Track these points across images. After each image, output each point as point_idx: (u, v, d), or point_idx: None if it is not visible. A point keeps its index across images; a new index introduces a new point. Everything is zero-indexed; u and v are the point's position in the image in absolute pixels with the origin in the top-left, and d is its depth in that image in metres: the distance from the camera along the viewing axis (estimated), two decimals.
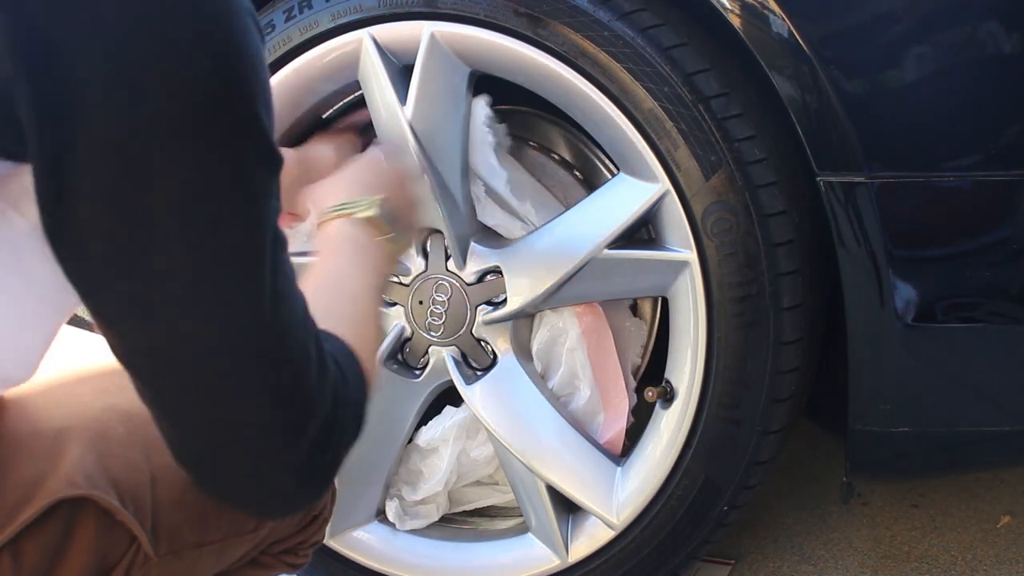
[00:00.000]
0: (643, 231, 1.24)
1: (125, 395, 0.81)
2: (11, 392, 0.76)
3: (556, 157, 1.39)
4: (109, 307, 0.65)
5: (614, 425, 1.32)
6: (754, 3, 1.06)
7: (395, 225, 0.99)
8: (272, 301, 0.65)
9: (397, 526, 1.41)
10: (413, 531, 1.42)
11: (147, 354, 0.66)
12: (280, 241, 0.67)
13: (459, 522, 1.47)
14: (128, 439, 0.77)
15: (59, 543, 0.72)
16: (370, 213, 0.97)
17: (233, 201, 0.63)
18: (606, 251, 1.21)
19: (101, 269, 0.62)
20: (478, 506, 1.47)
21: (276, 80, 1.31)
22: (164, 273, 0.62)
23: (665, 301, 1.27)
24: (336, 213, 0.97)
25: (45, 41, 0.58)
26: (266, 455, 0.68)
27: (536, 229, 1.28)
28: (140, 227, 0.61)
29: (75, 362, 0.84)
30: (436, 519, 1.42)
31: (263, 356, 0.65)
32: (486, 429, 1.32)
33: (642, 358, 1.39)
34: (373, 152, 1.15)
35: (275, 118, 0.67)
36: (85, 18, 0.58)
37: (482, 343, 1.32)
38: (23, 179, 0.62)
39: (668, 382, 1.25)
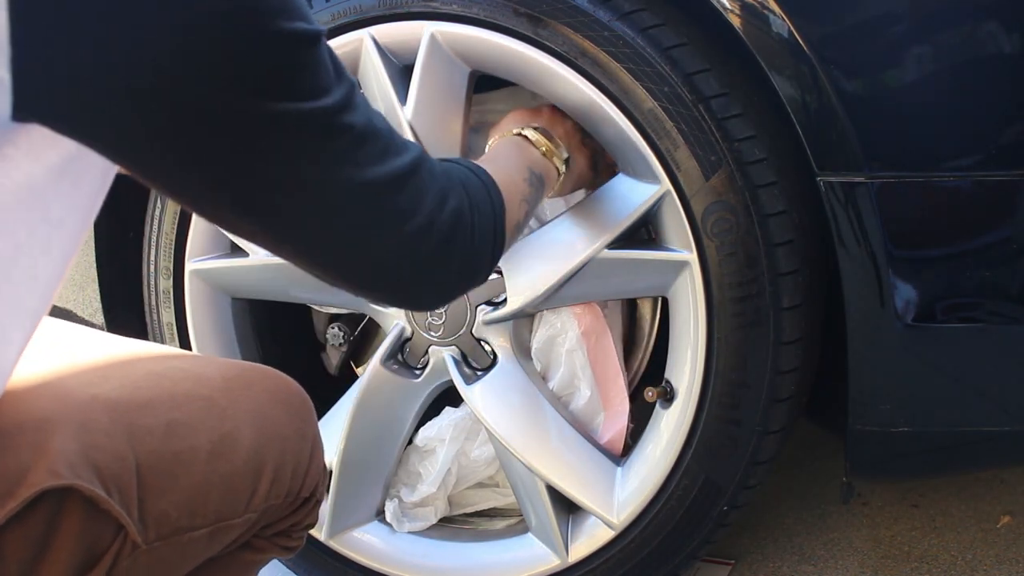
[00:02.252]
0: (643, 231, 1.24)
1: (109, 384, 0.81)
2: None
3: None
4: (213, 208, 0.72)
5: (614, 425, 1.32)
6: (754, 3, 1.06)
7: (568, 158, 1.18)
8: (347, 151, 0.73)
9: (395, 528, 1.41)
10: (413, 531, 1.42)
11: (268, 229, 0.74)
12: (348, 90, 0.72)
13: (459, 522, 1.48)
14: (112, 428, 0.77)
15: (44, 534, 0.72)
16: (528, 127, 1.15)
17: (293, 102, 0.68)
18: (606, 251, 1.21)
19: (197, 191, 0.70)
20: (478, 509, 1.47)
21: None
22: (242, 169, 0.69)
23: (665, 301, 1.27)
24: (515, 132, 1.16)
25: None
26: (390, 246, 0.78)
27: (536, 229, 1.28)
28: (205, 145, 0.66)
29: (60, 356, 0.84)
30: (434, 522, 1.42)
31: (353, 195, 0.74)
32: (486, 429, 1.32)
33: (642, 358, 1.39)
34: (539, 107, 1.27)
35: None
36: None
37: (482, 343, 1.32)
38: (31, 131, 0.62)
39: (668, 382, 1.25)
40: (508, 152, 1.12)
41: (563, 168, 1.17)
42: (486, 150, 1.19)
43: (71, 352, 0.85)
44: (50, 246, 0.69)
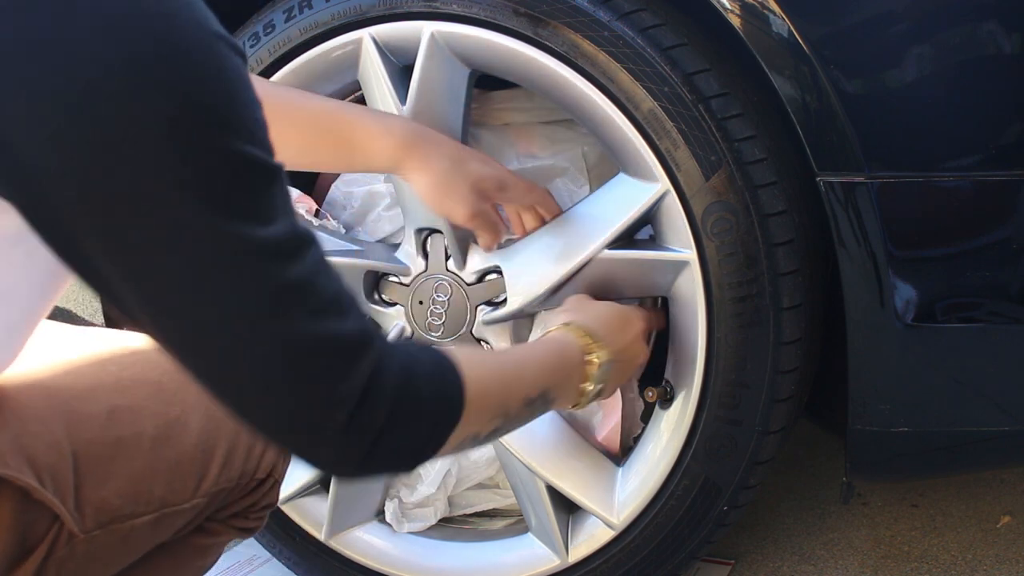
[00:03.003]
0: (643, 231, 1.24)
1: (51, 372, 0.80)
2: None
3: None
4: (128, 309, 0.65)
5: (608, 422, 1.32)
6: (754, 3, 1.06)
7: (604, 378, 1.04)
8: (276, 297, 0.65)
9: (395, 529, 1.41)
10: (413, 532, 1.42)
11: (175, 348, 0.67)
12: (295, 241, 0.66)
13: (459, 522, 1.48)
14: (48, 415, 0.76)
15: None
16: (597, 352, 1.03)
17: (222, 219, 0.62)
18: (606, 251, 1.21)
19: (112, 283, 0.63)
20: (478, 510, 1.47)
21: (276, 80, 1.31)
22: (163, 286, 0.62)
23: (665, 301, 1.27)
24: (569, 328, 1.04)
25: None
26: (295, 417, 0.68)
27: (536, 229, 1.28)
28: (137, 255, 0.61)
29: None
30: (433, 522, 1.42)
31: (270, 340, 0.65)
32: None
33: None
34: (635, 310, 1.19)
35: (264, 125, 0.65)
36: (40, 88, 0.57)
37: (482, 343, 1.32)
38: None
39: (668, 382, 1.25)
40: (546, 359, 0.99)
41: (585, 402, 1.05)
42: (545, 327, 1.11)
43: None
44: None
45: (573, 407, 1.05)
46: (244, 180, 0.62)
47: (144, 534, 0.83)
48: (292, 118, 1.10)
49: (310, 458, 0.72)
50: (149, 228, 0.60)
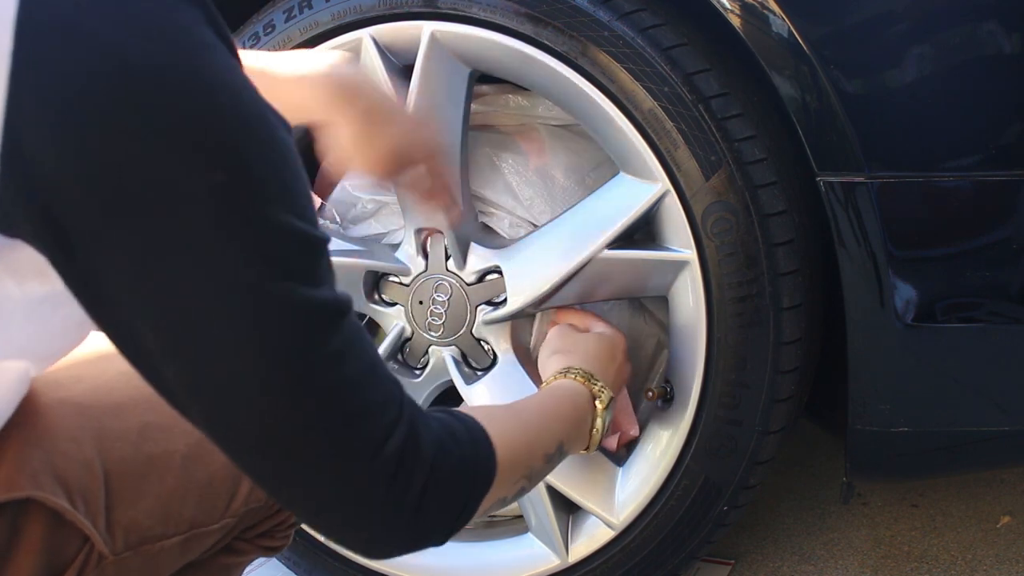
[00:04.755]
0: (643, 231, 1.24)
1: (80, 387, 0.78)
2: None
3: None
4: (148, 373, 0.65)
5: (618, 431, 1.32)
6: (754, 3, 1.06)
7: (609, 416, 1.08)
8: (319, 363, 0.64)
9: None
10: None
11: (202, 414, 0.65)
12: (338, 306, 0.65)
13: None
14: (80, 434, 0.75)
15: (4, 546, 0.69)
16: (600, 400, 1.07)
17: (266, 293, 0.61)
18: (606, 251, 1.21)
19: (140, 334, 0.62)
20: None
21: None
22: (204, 347, 0.61)
23: (665, 301, 1.27)
24: (571, 375, 1.08)
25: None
26: (328, 495, 0.67)
27: (536, 229, 1.28)
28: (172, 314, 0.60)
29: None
30: None
31: (302, 409, 0.64)
32: None
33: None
34: (615, 335, 1.22)
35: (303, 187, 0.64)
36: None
37: (482, 343, 1.32)
38: (19, 252, 0.60)
39: (668, 382, 1.25)
40: (561, 410, 1.02)
41: (595, 446, 1.07)
42: (542, 379, 1.13)
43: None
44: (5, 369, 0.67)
45: (584, 451, 1.08)
46: (294, 248, 0.62)
47: (173, 555, 0.81)
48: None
49: (348, 536, 0.71)
50: (194, 289, 0.59)
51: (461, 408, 0.82)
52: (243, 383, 0.62)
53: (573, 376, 1.08)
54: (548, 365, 1.15)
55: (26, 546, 0.71)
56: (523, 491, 0.88)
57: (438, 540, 0.76)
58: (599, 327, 1.24)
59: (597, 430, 1.07)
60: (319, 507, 0.68)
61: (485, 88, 1.34)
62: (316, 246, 0.64)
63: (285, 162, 0.62)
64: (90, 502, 0.74)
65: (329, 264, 0.66)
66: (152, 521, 0.78)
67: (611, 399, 1.08)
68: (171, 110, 0.57)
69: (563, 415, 1.02)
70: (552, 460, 0.94)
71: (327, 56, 0.96)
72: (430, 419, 0.73)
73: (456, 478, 0.74)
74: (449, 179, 1.08)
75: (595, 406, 1.07)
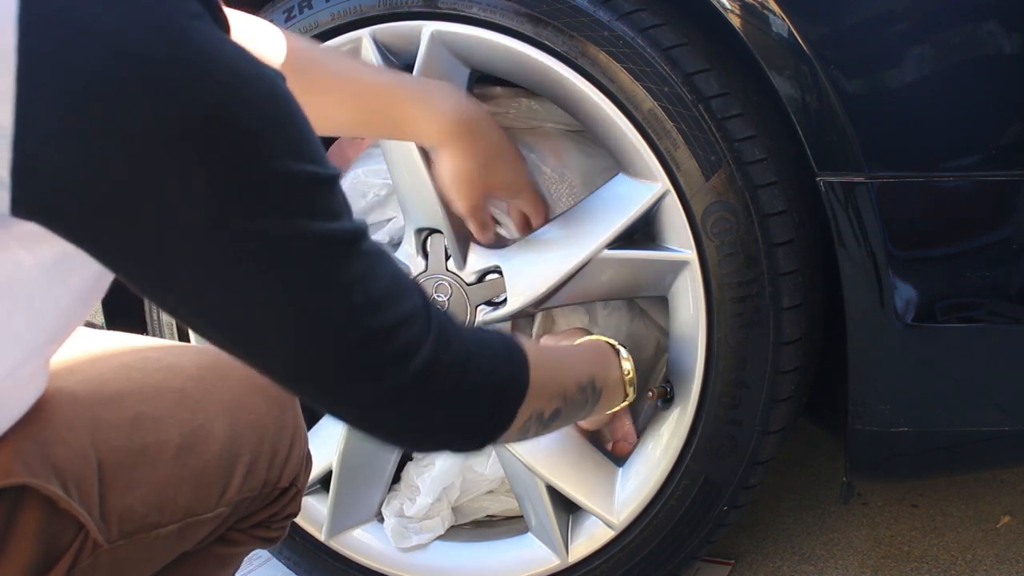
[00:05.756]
0: (643, 231, 1.24)
1: (75, 378, 0.79)
2: None
3: None
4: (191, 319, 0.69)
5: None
6: (754, 3, 1.06)
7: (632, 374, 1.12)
8: (348, 288, 0.69)
9: (399, 543, 1.40)
10: (420, 543, 1.41)
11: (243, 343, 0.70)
12: (356, 232, 0.70)
13: (459, 522, 1.47)
14: (74, 423, 0.76)
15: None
16: (625, 358, 1.11)
17: (278, 232, 0.65)
18: (606, 251, 1.21)
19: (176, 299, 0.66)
20: (478, 518, 1.46)
21: None
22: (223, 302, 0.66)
23: (665, 304, 1.27)
24: (596, 336, 1.14)
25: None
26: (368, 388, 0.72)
27: (536, 229, 1.28)
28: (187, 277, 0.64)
29: None
30: (441, 532, 1.41)
31: (331, 330, 0.69)
32: None
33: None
34: None
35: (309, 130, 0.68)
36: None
37: None
38: (28, 224, 0.62)
39: (668, 382, 1.25)
40: (585, 353, 1.08)
41: (631, 398, 1.12)
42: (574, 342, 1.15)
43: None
44: (20, 334, 0.68)
45: (623, 402, 1.11)
46: (306, 190, 0.66)
47: (168, 544, 0.82)
48: (341, 94, 1.10)
49: (395, 436, 0.78)
50: (217, 249, 0.63)
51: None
52: (273, 321, 0.67)
53: (599, 337, 1.13)
54: (570, 336, 1.19)
55: (22, 534, 0.71)
56: (558, 415, 0.92)
57: (479, 440, 0.82)
58: None
59: (628, 373, 1.10)
60: (364, 414, 0.75)
61: (498, 90, 1.34)
62: (327, 183, 0.67)
63: (288, 113, 0.65)
64: (84, 490, 0.74)
65: (343, 196, 0.70)
66: (146, 509, 0.79)
67: (631, 365, 1.11)
68: (172, 94, 0.59)
69: (592, 358, 1.07)
70: (586, 392, 0.98)
71: (446, 90, 1.13)
72: (461, 328, 0.79)
73: (490, 377, 0.80)
74: (532, 209, 1.23)
75: (619, 358, 1.10)
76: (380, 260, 0.71)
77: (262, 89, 0.63)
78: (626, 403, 1.12)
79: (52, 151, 0.58)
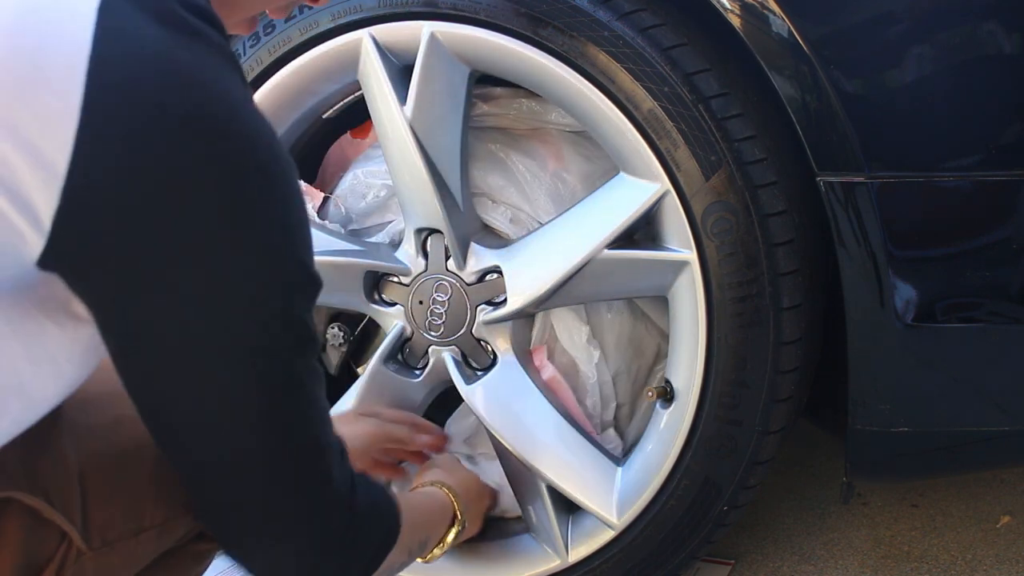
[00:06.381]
0: (643, 231, 1.24)
1: None
2: None
3: None
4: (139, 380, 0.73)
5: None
6: (754, 3, 1.06)
7: (455, 541, 1.22)
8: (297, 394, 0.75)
9: None
10: None
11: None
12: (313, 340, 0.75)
13: None
14: (53, 430, 0.76)
15: None
16: (463, 528, 1.23)
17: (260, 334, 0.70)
18: (606, 251, 1.21)
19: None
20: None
21: (276, 80, 1.31)
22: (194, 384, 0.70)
23: (665, 309, 1.27)
24: (445, 490, 1.23)
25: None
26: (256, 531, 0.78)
27: (536, 229, 1.28)
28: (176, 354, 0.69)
29: None
30: None
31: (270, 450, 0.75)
32: (486, 429, 1.32)
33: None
34: (489, 489, 1.37)
35: (290, 180, 0.72)
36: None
37: (482, 343, 1.32)
38: (54, 289, 0.66)
39: (668, 382, 1.25)
40: (429, 509, 1.19)
41: (448, 545, 1.21)
42: (412, 484, 1.27)
43: None
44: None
45: (424, 559, 1.19)
46: (304, 279, 0.73)
47: (149, 547, 0.82)
48: None
49: (278, 560, 0.81)
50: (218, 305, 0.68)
51: None
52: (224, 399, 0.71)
53: (446, 491, 1.22)
54: (426, 475, 1.29)
55: (5, 544, 0.71)
56: (399, 567, 1.01)
57: None
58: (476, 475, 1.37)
59: (446, 543, 1.20)
60: (278, 534, 0.79)
61: (498, 91, 1.34)
62: (317, 286, 0.74)
63: (302, 208, 0.72)
64: (67, 499, 0.74)
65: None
66: (129, 514, 0.79)
67: (462, 531, 1.22)
68: (218, 161, 0.65)
69: (434, 518, 1.18)
70: (414, 551, 1.08)
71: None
72: (361, 477, 0.86)
73: (379, 527, 0.88)
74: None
75: (453, 526, 1.21)
76: (321, 382, 0.78)
77: (290, 182, 0.70)
78: (423, 560, 1.19)
79: (102, 193, 0.62)
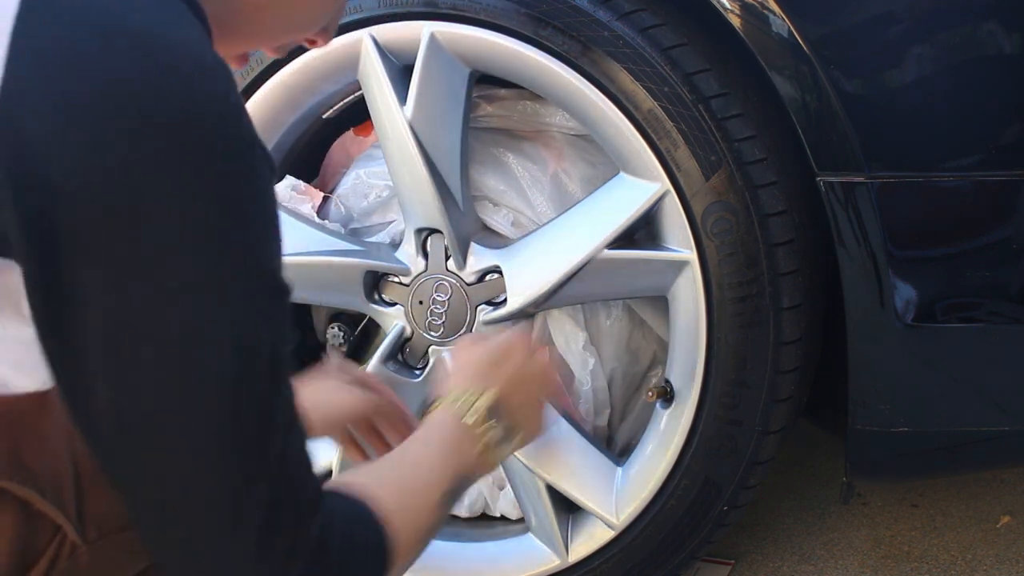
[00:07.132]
0: (643, 231, 1.24)
1: (42, 377, 0.79)
2: None
3: None
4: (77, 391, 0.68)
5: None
6: (754, 3, 1.07)
7: (501, 421, 0.97)
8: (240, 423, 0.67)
9: None
10: None
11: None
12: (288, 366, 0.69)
13: (459, 522, 1.47)
14: (44, 422, 0.74)
15: None
16: (473, 406, 0.96)
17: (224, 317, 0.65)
18: (606, 251, 1.21)
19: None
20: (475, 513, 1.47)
21: (276, 81, 1.31)
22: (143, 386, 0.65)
23: (664, 315, 1.27)
24: (439, 405, 0.97)
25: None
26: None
27: (536, 229, 1.28)
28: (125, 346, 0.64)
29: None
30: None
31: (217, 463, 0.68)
32: None
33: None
34: (510, 336, 1.08)
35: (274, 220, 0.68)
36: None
37: None
38: (9, 277, 0.63)
39: (668, 382, 1.25)
40: (438, 452, 0.93)
41: (495, 455, 0.97)
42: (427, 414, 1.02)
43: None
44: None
45: (489, 466, 0.98)
46: (274, 286, 0.67)
47: None
48: None
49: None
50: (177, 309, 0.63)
51: (347, 481, 0.81)
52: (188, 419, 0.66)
53: (438, 408, 0.98)
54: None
55: None
56: (425, 548, 0.87)
57: None
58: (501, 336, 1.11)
59: (485, 444, 0.95)
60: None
61: (502, 92, 1.34)
62: (287, 292, 0.69)
63: (275, 211, 0.67)
64: (60, 491, 0.74)
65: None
66: (123, 508, 0.78)
67: (490, 407, 0.97)
68: (193, 146, 0.60)
69: (440, 455, 0.93)
70: (446, 502, 0.90)
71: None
72: (336, 506, 0.76)
73: (361, 562, 0.77)
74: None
75: (467, 425, 0.96)
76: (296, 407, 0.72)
77: (266, 183, 0.65)
78: (484, 429, 0.96)
79: (49, 163, 0.58)
